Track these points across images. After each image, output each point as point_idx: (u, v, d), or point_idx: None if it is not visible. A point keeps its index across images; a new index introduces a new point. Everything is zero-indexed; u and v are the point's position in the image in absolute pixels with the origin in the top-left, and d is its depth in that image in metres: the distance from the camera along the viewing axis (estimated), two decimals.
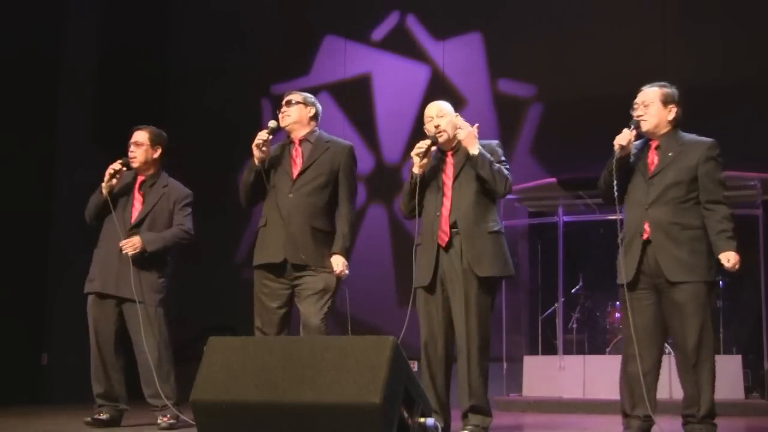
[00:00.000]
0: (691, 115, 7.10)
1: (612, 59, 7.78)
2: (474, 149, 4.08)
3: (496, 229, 4.13)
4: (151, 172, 4.89)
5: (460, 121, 4.18)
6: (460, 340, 4.04)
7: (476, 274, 4.02)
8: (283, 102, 4.46)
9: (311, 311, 4.21)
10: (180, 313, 8.78)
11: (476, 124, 4.17)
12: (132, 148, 4.84)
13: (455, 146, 4.20)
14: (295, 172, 4.33)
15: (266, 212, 4.38)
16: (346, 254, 4.31)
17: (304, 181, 4.31)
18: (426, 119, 4.24)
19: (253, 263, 4.38)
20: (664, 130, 3.98)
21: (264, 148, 4.30)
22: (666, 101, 3.97)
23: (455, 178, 4.15)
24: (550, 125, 8.05)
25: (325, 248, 4.28)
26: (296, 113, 4.40)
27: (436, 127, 4.15)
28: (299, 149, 4.40)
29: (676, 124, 4.01)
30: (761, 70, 7.43)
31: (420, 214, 4.16)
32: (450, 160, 4.20)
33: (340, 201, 4.38)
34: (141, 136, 4.87)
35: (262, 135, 4.30)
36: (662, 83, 4.05)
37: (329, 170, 4.36)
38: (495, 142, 4.25)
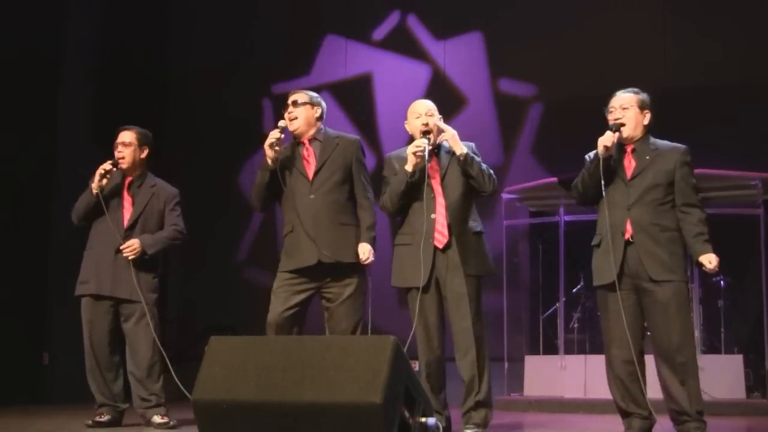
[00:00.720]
0: (691, 115, 7.18)
1: (612, 59, 7.76)
2: (461, 149, 4.11)
3: (479, 229, 4.20)
4: (138, 172, 4.87)
5: (441, 123, 4.20)
6: (464, 338, 4.06)
7: (469, 273, 4.07)
8: (289, 102, 4.38)
9: (344, 329, 4.24)
10: (180, 313, 8.81)
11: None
12: (120, 148, 4.81)
13: (436, 147, 4.20)
14: (311, 172, 4.30)
15: (290, 218, 4.32)
16: (373, 244, 4.31)
17: (322, 180, 4.29)
18: (412, 115, 4.21)
19: (283, 268, 4.30)
20: (640, 135, 4.05)
21: (277, 147, 4.25)
22: (642, 106, 4.06)
23: (442, 179, 4.17)
24: (550, 125, 8.05)
25: (354, 242, 4.28)
26: (303, 115, 4.34)
27: (425, 125, 4.13)
28: (310, 149, 4.36)
29: (649, 129, 4.08)
30: (761, 70, 7.42)
31: (406, 214, 4.18)
32: (434, 159, 4.19)
33: (358, 194, 4.37)
34: (128, 136, 4.84)
35: (275, 134, 4.25)
36: (635, 89, 4.11)
37: (343, 166, 4.34)
38: (472, 144, 4.26)
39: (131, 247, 4.65)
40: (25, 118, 7.66)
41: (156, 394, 4.68)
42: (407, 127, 4.27)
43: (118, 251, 4.67)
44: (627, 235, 3.93)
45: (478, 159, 4.14)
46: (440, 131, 4.16)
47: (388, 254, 4.29)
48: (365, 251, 4.25)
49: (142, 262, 4.70)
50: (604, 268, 3.98)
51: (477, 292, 4.12)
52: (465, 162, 4.09)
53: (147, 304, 4.67)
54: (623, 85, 4.15)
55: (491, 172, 4.17)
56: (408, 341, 3.72)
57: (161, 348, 4.68)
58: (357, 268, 4.30)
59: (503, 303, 7.43)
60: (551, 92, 8.11)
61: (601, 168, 3.94)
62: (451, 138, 4.12)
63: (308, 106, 4.36)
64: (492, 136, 8.18)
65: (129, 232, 4.72)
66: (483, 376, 4.06)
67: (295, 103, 4.36)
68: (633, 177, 3.98)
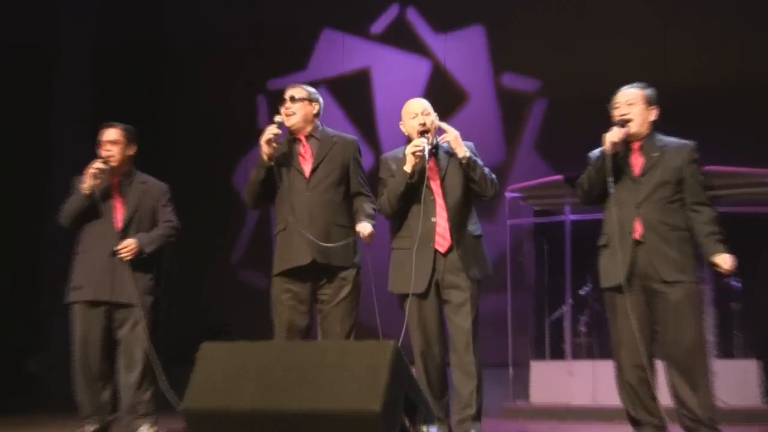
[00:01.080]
0: (699, 113, 7.08)
1: (616, 53, 7.75)
2: (464, 152, 4.06)
3: (478, 233, 4.17)
4: (125, 170, 4.78)
5: (442, 123, 4.14)
6: (464, 343, 4.01)
7: (470, 277, 4.03)
8: (286, 97, 4.35)
9: (339, 331, 4.22)
10: (174, 315, 8.70)
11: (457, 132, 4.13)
12: (108, 146, 4.72)
13: (435, 148, 4.14)
14: (307, 170, 4.28)
15: (283, 215, 4.28)
16: (373, 226, 4.27)
17: (319, 179, 4.26)
18: (407, 116, 4.16)
19: (276, 270, 4.27)
20: (646, 131, 4.00)
21: (274, 144, 4.20)
22: (649, 102, 4.03)
23: (441, 180, 4.10)
24: (555, 120, 8.03)
25: (350, 244, 4.25)
26: (301, 111, 4.32)
27: (422, 125, 4.07)
28: (307, 146, 4.32)
29: (655, 126, 4.04)
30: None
31: (404, 217, 4.11)
32: (433, 160, 4.11)
33: (356, 191, 4.35)
34: (115, 134, 4.75)
35: (272, 129, 4.20)
36: (642, 84, 4.07)
37: (340, 165, 4.32)
38: (471, 144, 4.19)
39: (128, 247, 4.57)
40: (18, 119, 7.73)
41: (145, 403, 4.60)
42: (402, 127, 4.21)
43: (114, 253, 4.58)
44: (636, 235, 3.86)
45: (480, 162, 4.10)
46: (442, 131, 4.11)
47: (385, 254, 4.26)
48: (367, 227, 4.19)
49: (139, 263, 4.62)
50: (611, 269, 3.91)
51: (477, 296, 4.08)
52: (468, 165, 4.05)
53: (143, 308, 4.59)
54: (630, 78, 4.10)
55: (493, 176, 4.14)
56: (399, 341, 3.65)
57: (154, 355, 4.59)
58: (352, 270, 4.27)
59: (507, 305, 7.38)
60: (555, 87, 8.08)
61: (608, 164, 3.86)
62: (454, 140, 4.08)
63: (306, 102, 4.32)
64: (494, 133, 8.18)
65: (124, 233, 4.64)
66: (481, 385, 4.04)
67: (292, 99, 4.31)
68: (641, 174, 3.92)
